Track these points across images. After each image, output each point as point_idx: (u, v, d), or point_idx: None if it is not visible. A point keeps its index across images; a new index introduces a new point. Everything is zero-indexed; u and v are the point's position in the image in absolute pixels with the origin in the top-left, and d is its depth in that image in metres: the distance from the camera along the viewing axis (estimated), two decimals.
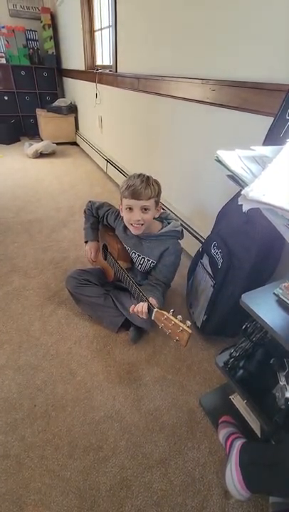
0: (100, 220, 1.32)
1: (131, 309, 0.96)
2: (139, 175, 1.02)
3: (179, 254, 1.14)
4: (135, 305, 0.94)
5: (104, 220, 1.26)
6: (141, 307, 0.91)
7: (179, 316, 0.78)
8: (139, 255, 1.15)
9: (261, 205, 0.42)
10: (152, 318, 0.87)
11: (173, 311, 0.80)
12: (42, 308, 1.36)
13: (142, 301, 0.94)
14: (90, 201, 1.32)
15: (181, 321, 0.76)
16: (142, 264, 1.16)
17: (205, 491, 0.80)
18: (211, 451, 0.89)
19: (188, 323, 0.75)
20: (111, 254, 1.18)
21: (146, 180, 1.01)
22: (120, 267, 1.11)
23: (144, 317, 0.91)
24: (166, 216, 1.20)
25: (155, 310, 0.85)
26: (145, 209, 1.03)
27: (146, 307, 0.90)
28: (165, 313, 0.81)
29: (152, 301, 0.91)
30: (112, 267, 1.19)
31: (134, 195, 1.00)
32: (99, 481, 0.81)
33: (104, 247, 1.28)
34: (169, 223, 1.16)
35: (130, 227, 1.08)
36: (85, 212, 1.34)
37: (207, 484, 0.82)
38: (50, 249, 1.79)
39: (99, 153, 3.14)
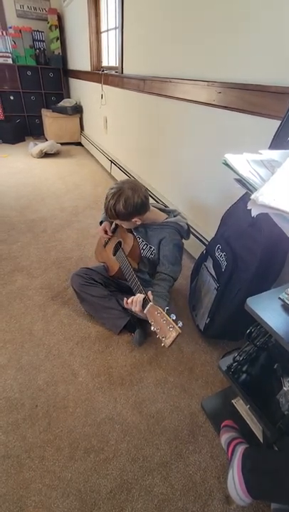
0: None
1: (124, 302, 0.97)
2: (113, 195, 1.04)
3: (177, 244, 1.15)
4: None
5: None
6: (136, 297, 0.92)
7: (173, 315, 0.76)
8: (142, 241, 1.19)
9: (271, 211, 0.42)
10: (145, 311, 0.86)
11: (168, 309, 0.79)
12: (45, 308, 1.36)
13: (139, 293, 0.95)
14: None
15: (173, 320, 0.75)
16: (143, 250, 1.19)
17: (206, 495, 0.80)
18: (213, 455, 0.88)
19: (181, 323, 0.74)
20: (123, 250, 1.20)
21: (107, 207, 1.06)
22: (129, 262, 1.12)
23: (137, 309, 0.91)
24: (176, 214, 1.22)
25: (150, 304, 0.85)
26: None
27: (142, 299, 0.90)
28: (159, 308, 0.80)
29: (150, 295, 0.91)
30: (119, 261, 1.20)
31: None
32: (99, 484, 0.81)
33: (119, 244, 1.28)
34: (175, 216, 1.19)
35: None
36: None
37: (208, 489, 0.81)
38: (54, 249, 1.79)
39: (103, 153, 3.15)
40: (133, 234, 1.21)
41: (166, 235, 1.14)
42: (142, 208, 1.07)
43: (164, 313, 0.78)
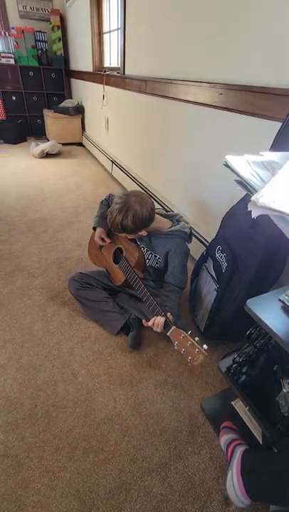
0: None
1: (144, 322, 0.99)
2: (120, 210, 1.00)
3: (184, 253, 1.14)
4: (148, 319, 0.97)
5: None
6: (158, 321, 0.93)
7: (197, 338, 0.79)
8: (147, 250, 1.17)
9: (271, 212, 0.42)
10: (168, 334, 0.88)
11: (190, 332, 0.81)
12: (45, 307, 1.36)
13: (157, 314, 0.96)
14: (110, 194, 1.35)
15: (198, 343, 0.78)
16: (149, 259, 1.18)
17: (205, 497, 0.80)
18: (212, 456, 0.88)
19: (206, 346, 0.77)
20: (127, 261, 1.18)
21: (113, 222, 1.02)
22: (137, 275, 1.10)
23: (159, 331, 0.93)
24: (178, 218, 1.21)
25: (173, 328, 0.86)
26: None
27: (163, 321, 0.92)
28: (183, 332, 0.82)
29: (170, 317, 0.92)
30: (124, 272, 1.18)
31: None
32: (98, 484, 0.81)
33: (119, 251, 1.27)
34: (178, 223, 1.18)
35: None
36: (101, 202, 1.36)
37: (207, 490, 0.81)
38: (55, 249, 1.79)
39: (104, 154, 3.16)
40: (136, 243, 1.19)
41: (174, 245, 1.12)
42: (149, 220, 1.04)
43: (189, 336, 0.81)
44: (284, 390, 0.73)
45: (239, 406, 0.94)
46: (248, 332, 0.79)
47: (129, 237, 1.15)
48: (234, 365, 0.85)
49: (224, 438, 0.86)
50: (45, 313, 1.33)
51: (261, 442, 0.84)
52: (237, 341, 1.19)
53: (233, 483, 0.71)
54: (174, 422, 0.96)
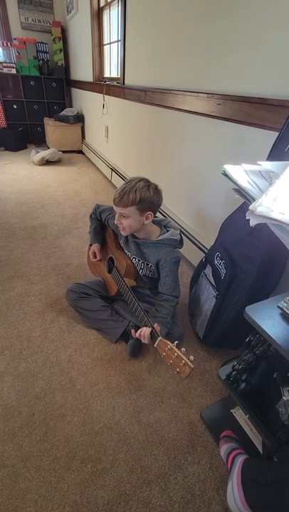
0: (103, 223, 1.34)
1: (132, 333, 0.99)
2: (130, 181, 1.02)
3: (175, 261, 1.12)
4: (136, 330, 0.98)
5: (106, 223, 1.29)
6: (144, 332, 0.93)
7: (183, 349, 0.77)
8: (139, 260, 1.16)
9: (269, 221, 0.43)
10: (155, 345, 0.87)
11: (177, 343, 0.80)
12: (43, 314, 1.36)
13: (145, 325, 0.95)
14: (96, 204, 1.34)
15: (184, 354, 0.75)
16: (142, 269, 1.17)
17: (205, 508, 0.78)
18: (212, 466, 0.87)
19: (192, 358, 0.74)
20: (117, 270, 1.18)
21: (129, 189, 0.99)
22: (126, 285, 1.10)
23: (146, 342, 0.92)
24: (166, 224, 1.19)
25: (159, 338, 0.85)
26: (123, 216, 1.04)
27: (149, 333, 0.91)
28: (169, 343, 0.80)
29: (157, 328, 0.91)
30: (116, 282, 1.18)
31: (114, 201, 1.03)
32: (96, 495, 0.79)
33: (111, 260, 1.27)
34: (168, 231, 1.16)
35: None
36: (90, 216, 1.37)
37: (207, 501, 0.80)
38: (54, 256, 1.79)
39: (104, 161, 3.19)
40: (124, 252, 1.19)
41: (164, 254, 1.10)
42: (153, 200, 1.02)
43: (175, 348, 0.78)
44: (284, 397, 0.73)
45: (239, 414, 0.93)
46: (248, 339, 0.79)
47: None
48: (234, 373, 0.84)
49: (224, 447, 0.85)
50: (43, 320, 1.33)
51: (261, 451, 0.83)
52: (236, 348, 1.19)
53: (234, 494, 0.70)
54: (174, 431, 0.95)
